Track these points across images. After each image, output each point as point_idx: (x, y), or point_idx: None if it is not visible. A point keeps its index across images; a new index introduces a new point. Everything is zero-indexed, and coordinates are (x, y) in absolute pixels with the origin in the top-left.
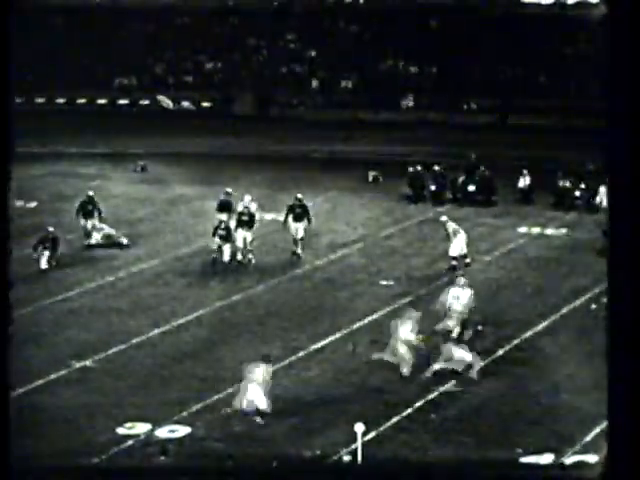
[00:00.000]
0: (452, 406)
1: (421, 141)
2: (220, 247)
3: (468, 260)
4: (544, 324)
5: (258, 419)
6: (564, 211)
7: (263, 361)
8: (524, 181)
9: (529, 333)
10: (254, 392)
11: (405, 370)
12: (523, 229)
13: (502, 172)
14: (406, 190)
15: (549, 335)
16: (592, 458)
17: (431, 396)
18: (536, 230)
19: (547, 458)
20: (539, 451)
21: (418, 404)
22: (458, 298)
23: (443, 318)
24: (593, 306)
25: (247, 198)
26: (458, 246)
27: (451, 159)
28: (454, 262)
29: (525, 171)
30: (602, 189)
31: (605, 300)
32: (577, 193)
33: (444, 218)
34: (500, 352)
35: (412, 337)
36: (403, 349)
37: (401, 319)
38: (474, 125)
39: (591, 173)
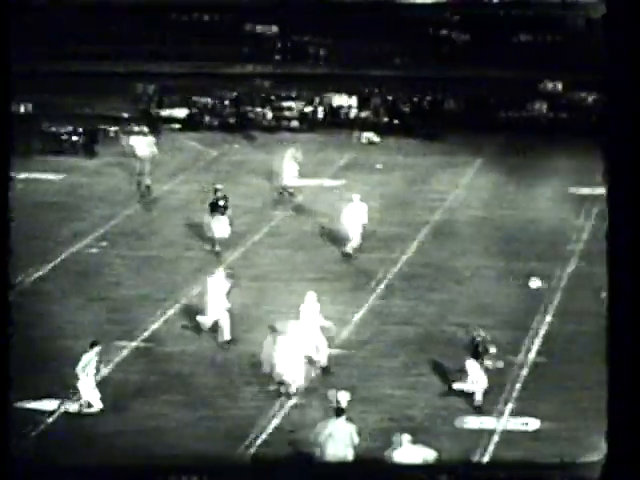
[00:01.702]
0: None
1: None
2: None
3: None
4: (45, 269)
5: None
6: (60, 156)
7: None
8: (24, 107)
9: (31, 278)
10: None
11: None
12: (19, 175)
13: None
14: None
15: (50, 280)
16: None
17: None
18: (32, 175)
19: (50, 404)
20: (41, 397)
21: None
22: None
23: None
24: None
25: None
26: None
27: None
28: None
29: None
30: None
31: None
32: (73, 137)
33: None
34: None
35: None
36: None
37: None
38: None
39: (87, 117)
